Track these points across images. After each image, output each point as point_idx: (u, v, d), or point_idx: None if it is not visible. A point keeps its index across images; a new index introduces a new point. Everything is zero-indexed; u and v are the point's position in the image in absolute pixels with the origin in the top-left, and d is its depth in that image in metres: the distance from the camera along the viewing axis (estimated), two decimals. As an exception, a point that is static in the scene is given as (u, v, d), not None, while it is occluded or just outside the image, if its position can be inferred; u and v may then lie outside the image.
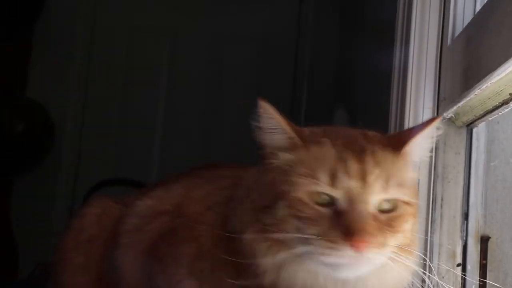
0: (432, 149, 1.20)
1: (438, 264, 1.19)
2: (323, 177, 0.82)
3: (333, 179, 0.82)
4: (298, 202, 0.83)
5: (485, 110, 1.05)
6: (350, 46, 2.52)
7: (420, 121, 1.23)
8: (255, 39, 2.96)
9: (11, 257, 2.58)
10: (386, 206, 0.84)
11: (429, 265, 1.17)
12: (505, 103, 0.97)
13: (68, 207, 2.69)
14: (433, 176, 1.20)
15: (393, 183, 0.83)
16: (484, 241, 1.17)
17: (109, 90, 2.92)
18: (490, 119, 1.10)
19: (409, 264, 0.88)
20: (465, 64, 1.06)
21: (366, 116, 2.03)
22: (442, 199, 1.21)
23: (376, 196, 0.82)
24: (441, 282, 1.17)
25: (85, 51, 2.92)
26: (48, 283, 1.42)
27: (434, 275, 1.18)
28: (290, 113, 2.89)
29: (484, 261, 1.17)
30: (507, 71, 0.86)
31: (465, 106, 1.09)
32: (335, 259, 0.80)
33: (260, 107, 0.90)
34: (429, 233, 1.19)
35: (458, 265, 1.18)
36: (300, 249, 0.82)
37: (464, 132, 1.20)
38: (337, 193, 0.82)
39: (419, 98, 1.23)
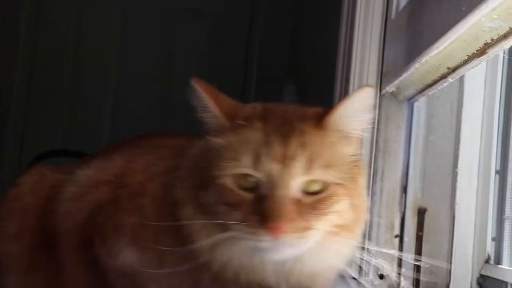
0: (374, 122, 1.22)
1: (377, 235, 1.21)
2: (247, 160, 0.81)
3: (256, 163, 0.80)
4: (224, 187, 0.83)
5: (425, 85, 1.07)
6: (301, 21, 2.52)
7: (363, 95, 1.24)
8: (208, 13, 2.92)
9: None
10: (315, 187, 0.82)
11: (369, 236, 1.20)
12: (443, 77, 0.99)
13: (13, 179, 2.61)
14: (374, 150, 1.22)
15: (318, 165, 0.81)
16: (421, 213, 1.20)
17: (57, 57, 2.83)
18: (430, 93, 1.12)
19: (347, 242, 0.88)
20: (408, 38, 1.07)
21: (315, 91, 2.04)
22: (382, 173, 1.23)
23: (297, 179, 0.80)
24: (380, 251, 1.20)
25: (32, 18, 2.80)
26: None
27: (373, 246, 1.21)
28: (242, 88, 2.89)
29: (421, 233, 1.20)
30: (445, 44, 0.87)
31: (406, 80, 1.11)
32: (256, 243, 0.80)
33: (192, 86, 0.87)
34: (369, 206, 1.21)
35: (396, 236, 1.21)
36: (230, 233, 0.82)
37: (405, 106, 1.22)
38: (259, 176, 0.81)
39: (363, 71, 1.24)
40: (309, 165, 0.80)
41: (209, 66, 2.85)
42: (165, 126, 2.71)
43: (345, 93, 1.29)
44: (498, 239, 1.13)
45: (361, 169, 0.92)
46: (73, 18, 2.87)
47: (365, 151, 1.23)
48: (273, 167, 0.79)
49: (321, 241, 0.84)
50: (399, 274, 1.20)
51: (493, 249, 1.14)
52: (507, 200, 1.13)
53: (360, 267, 1.20)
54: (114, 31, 2.90)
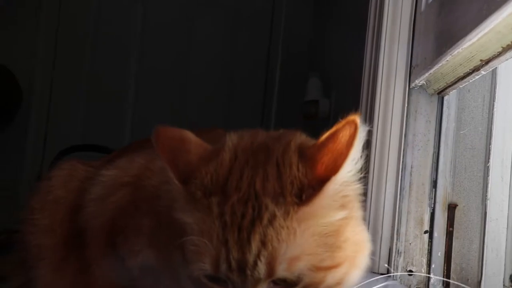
0: (403, 116, 1.20)
1: (406, 231, 1.19)
2: (208, 263, 0.72)
3: (216, 268, 0.72)
4: (193, 278, 0.76)
5: (456, 77, 1.05)
6: (325, 14, 2.49)
7: (391, 90, 1.22)
8: (230, 6, 2.91)
9: (-23, 224, 2.53)
10: (289, 279, 0.72)
11: (397, 231, 1.19)
12: (476, 69, 0.97)
13: (36, 173, 2.64)
14: (403, 144, 1.20)
15: (287, 262, 0.71)
16: (452, 208, 1.18)
17: (78, 52, 2.85)
18: (461, 86, 1.10)
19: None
20: (438, 30, 1.05)
21: (340, 84, 2.02)
22: (411, 167, 1.21)
23: (263, 284, 0.71)
24: (408, 248, 1.18)
25: (53, 12, 2.82)
26: (13, 249, 1.39)
27: (402, 242, 1.19)
28: (265, 83, 2.88)
29: (451, 228, 1.18)
30: (479, 36, 0.85)
31: (437, 73, 1.08)
32: None
33: (152, 138, 0.77)
34: (398, 201, 1.19)
35: (426, 232, 1.19)
36: None
37: (435, 100, 1.20)
38: (223, 282, 0.73)
39: (391, 65, 1.22)
40: (273, 267, 0.70)
41: (230, 59, 2.85)
42: (185, 119, 2.72)
43: (372, 87, 1.27)
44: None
45: (351, 213, 0.78)
46: (93, 10, 2.88)
47: (394, 145, 1.21)
48: (233, 276, 0.71)
49: None
50: (429, 270, 1.18)
51: (526, 245, 1.11)
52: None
53: (389, 263, 1.19)
54: (135, 23, 2.90)
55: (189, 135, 0.81)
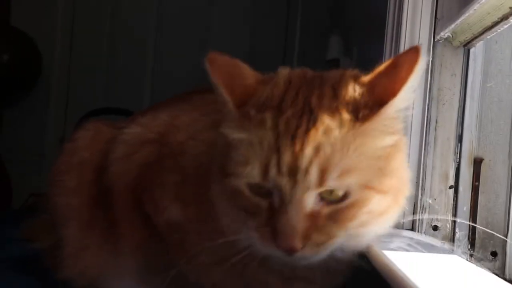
0: (428, 70, 1.17)
1: (431, 186, 1.19)
2: (255, 169, 0.72)
3: (264, 174, 0.72)
4: (238, 191, 0.76)
5: (484, 27, 1.02)
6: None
7: (416, 42, 1.19)
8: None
9: (3, 188, 2.59)
10: (336, 195, 0.73)
11: (422, 187, 1.18)
12: (504, 18, 0.94)
13: (59, 137, 2.67)
14: (427, 99, 1.18)
15: (337, 173, 0.71)
16: (477, 163, 1.17)
17: (97, 16, 2.84)
18: (488, 37, 1.07)
19: (385, 221, 0.83)
20: (465, -22, 1.02)
21: (361, 42, 1.98)
22: (436, 122, 1.19)
23: (311, 192, 0.71)
24: (433, 203, 1.18)
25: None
26: (40, 212, 1.42)
27: (427, 197, 1.19)
28: (285, 41, 2.84)
29: (477, 183, 1.17)
30: (509, -19, 0.82)
31: (463, 24, 1.05)
32: (271, 253, 0.76)
33: (205, 63, 0.78)
34: (422, 156, 1.18)
35: (451, 187, 1.18)
36: (246, 236, 0.78)
37: (461, 52, 1.17)
38: (270, 188, 0.73)
39: (415, 17, 1.19)
40: (324, 176, 0.70)
41: (250, 19, 2.81)
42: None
43: (396, 42, 1.24)
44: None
45: (400, 145, 0.81)
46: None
47: (418, 100, 1.19)
48: (282, 181, 0.71)
49: (353, 233, 0.78)
50: (454, 225, 1.18)
51: (554, 198, 1.10)
52: None
53: (413, 219, 1.19)
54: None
55: (241, 63, 0.81)
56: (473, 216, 1.16)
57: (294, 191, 0.71)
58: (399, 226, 1.20)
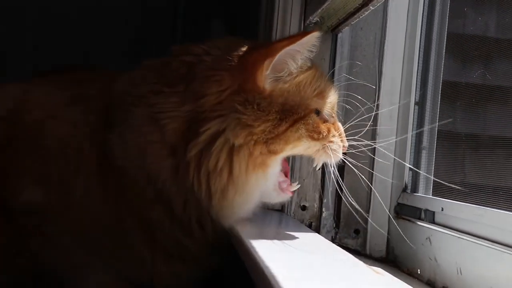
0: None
1: (300, 167, 1.22)
2: None
3: None
4: None
5: (347, 13, 1.05)
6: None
7: (287, 28, 1.21)
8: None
9: None
10: None
11: (292, 168, 1.20)
12: (365, 4, 0.97)
13: None
14: (298, 82, 1.20)
15: None
16: (343, 145, 1.21)
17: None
18: (353, 23, 1.11)
19: None
20: (330, -37, 1.04)
21: (241, 26, 1.99)
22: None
23: None
24: (302, 184, 1.21)
25: None
26: None
27: (296, 178, 1.21)
28: (173, 25, 2.78)
29: (343, 164, 1.22)
30: (365, -33, 0.85)
31: (329, 9, 1.08)
32: None
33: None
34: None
35: (319, 168, 1.22)
36: None
37: (329, 37, 1.20)
38: None
39: (287, 1, 1.21)
40: None
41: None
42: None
43: (269, 24, 1.25)
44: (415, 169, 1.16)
45: None
46: None
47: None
48: None
49: None
50: (321, 205, 1.22)
51: (410, 179, 1.16)
52: (424, 130, 1.15)
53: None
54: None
55: None
56: (339, 196, 1.20)
57: None
58: (268, 206, 1.22)
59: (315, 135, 0.90)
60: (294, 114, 0.88)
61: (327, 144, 0.91)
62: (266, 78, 0.88)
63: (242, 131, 0.86)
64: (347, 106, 1.20)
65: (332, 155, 0.93)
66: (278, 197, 1.00)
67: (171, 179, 0.91)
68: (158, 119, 0.89)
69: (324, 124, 0.93)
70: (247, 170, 0.88)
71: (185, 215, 0.93)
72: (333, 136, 0.93)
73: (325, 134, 0.91)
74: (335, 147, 0.93)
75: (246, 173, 0.88)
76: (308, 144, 0.91)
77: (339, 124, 0.99)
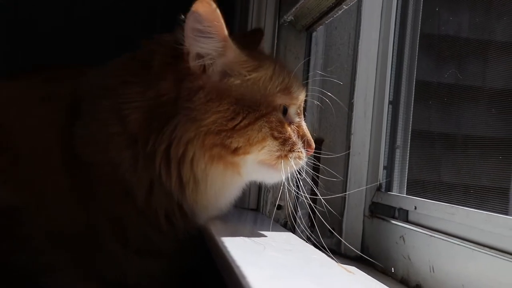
0: (273, 52, 1.20)
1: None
2: None
3: None
4: None
5: (321, 12, 1.05)
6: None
7: (262, 24, 1.21)
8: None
9: None
10: None
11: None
12: (338, 4, 0.98)
13: None
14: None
15: None
16: (319, 143, 1.22)
17: None
18: (327, 22, 1.11)
19: None
20: (304, -38, 1.04)
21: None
22: (281, 104, 1.21)
23: None
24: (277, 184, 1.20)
25: None
26: None
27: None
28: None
29: (318, 163, 1.22)
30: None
31: (303, 8, 1.09)
32: None
33: None
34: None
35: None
36: None
37: (303, 36, 1.20)
38: None
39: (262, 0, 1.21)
40: None
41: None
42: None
43: (244, 23, 1.25)
44: (390, 168, 1.17)
45: None
46: None
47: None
48: None
49: None
50: (296, 204, 1.22)
51: (384, 177, 1.17)
52: (398, 130, 1.16)
53: (258, 199, 1.21)
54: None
55: None
56: (313, 194, 1.20)
57: None
58: (244, 205, 1.22)
59: (276, 133, 0.89)
60: (255, 111, 0.87)
61: (289, 155, 0.90)
62: (193, 61, 0.88)
63: (192, 124, 0.86)
64: (321, 105, 1.21)
65: (294, 164, 0.91)
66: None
67: (131, 170, 0.90)
68: (121, 109, 0.89)
69: (289, 126, 0.92)
70: (205, 161, 0.87)
71: (149, 208, 0.92)
72: (294, 144, 0.92)
73: (287, 135, 0.90)
74: (296, 155, 0.92)
75: (205, 164, 0.87)
76: (273, 144, 0.89)
77: (304, 126, 0.97)
